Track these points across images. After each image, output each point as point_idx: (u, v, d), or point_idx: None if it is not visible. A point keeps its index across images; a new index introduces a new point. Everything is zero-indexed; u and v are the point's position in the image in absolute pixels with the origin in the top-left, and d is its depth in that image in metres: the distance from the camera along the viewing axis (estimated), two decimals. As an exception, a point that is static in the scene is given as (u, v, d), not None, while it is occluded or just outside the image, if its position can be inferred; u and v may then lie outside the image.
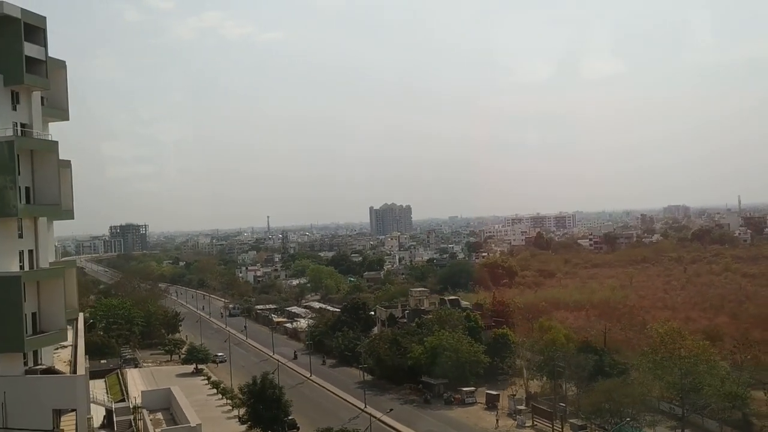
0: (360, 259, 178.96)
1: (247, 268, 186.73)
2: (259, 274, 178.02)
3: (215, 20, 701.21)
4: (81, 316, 78.96)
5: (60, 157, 58.36)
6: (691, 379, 48.72)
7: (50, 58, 56.12)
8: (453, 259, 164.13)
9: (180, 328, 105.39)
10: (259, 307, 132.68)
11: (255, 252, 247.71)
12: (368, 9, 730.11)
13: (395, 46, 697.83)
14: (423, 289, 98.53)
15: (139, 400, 60.70)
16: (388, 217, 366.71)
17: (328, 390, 71.25)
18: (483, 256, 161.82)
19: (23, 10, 46.99)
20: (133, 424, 50.13)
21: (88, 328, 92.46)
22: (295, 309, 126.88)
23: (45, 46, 49.90)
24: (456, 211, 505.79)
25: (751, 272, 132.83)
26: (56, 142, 50.47)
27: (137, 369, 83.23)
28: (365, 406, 63.20)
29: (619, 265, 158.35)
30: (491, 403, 62.04)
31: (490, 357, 69.29)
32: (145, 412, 49.82)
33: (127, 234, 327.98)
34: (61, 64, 58.96)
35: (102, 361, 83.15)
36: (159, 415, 50.13)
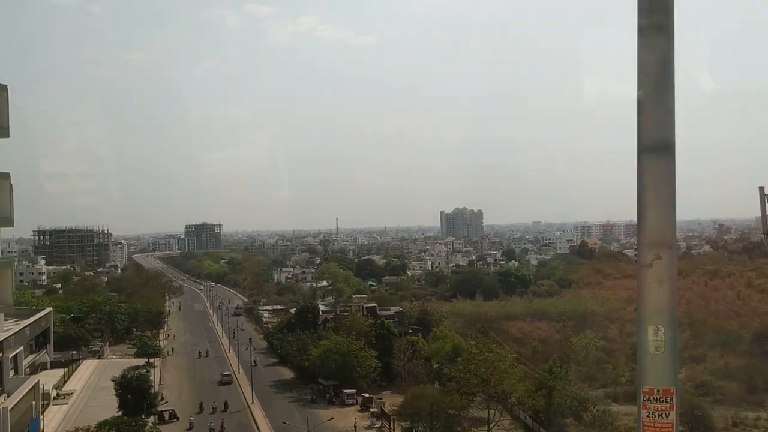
0: (384, 262, 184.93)
1: (281, 270, 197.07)
2: (289, 276, 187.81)
3: (311, 24, 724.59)
4: (48, 311, 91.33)
5: (1, 170, 69.61)
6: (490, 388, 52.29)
7: (-9, 83, 67.26)
8: (471, 267, 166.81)
9: (165, 324, 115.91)
10: (264, 307, 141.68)
11: (308, 254, 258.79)
12: (458, 17, 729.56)
13: (482, 53, 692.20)
14: (363, 295, 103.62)
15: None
16: (458, 222, 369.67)
17: (240, 387, 78.38)
18: (501, 264, 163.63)
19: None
20: None
21: (73, 321, 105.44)
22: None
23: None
24: (544, 217, 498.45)
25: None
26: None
27: (99, 360, 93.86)
28: (252, 402, 70.14)
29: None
30: (365, 406, 67.31)
31: (400, 362, 73.65)
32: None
33: (201, 233, 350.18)
34: (3, 88, 70.05)
35: (72, 352, 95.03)
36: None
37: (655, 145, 3.57)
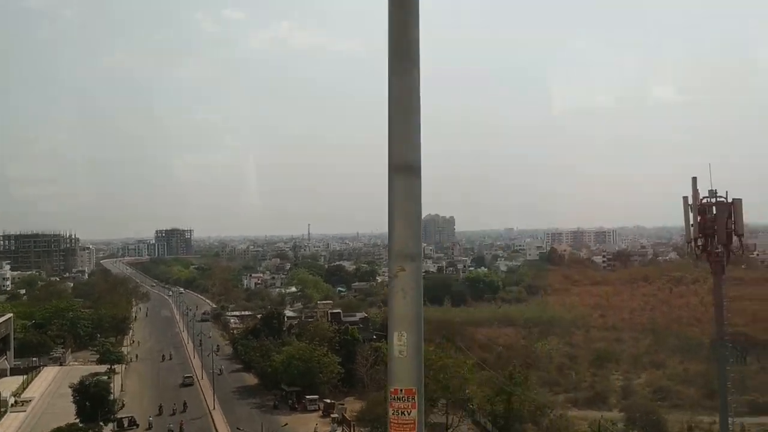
0: (354, 268, 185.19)
1: (251, 276, 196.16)
2: (259, 281, 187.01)
3: (288, 29, 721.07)
4: (8, 317, 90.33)
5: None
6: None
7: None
8: (440, 273, 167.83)
9: (130, 330, 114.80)
10: (232, 313, 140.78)
11: (278, 259, 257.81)
12: (441, 22, 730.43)
13: (463, 61, 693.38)
14: (328, 301, 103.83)
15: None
16: (430, 228, 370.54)
17: (202, 392, 77.99)
18: (470, 270, 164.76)
19: None
20: None
21: (35, 327, 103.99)
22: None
23: None
24: (517, 224, 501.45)
25: (730, 294, 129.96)
26: None
27: (60, 367, 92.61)
28: (213, 407, 69.88)
29: (619, 283, 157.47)
30: (326, 411, 67.45)
31: (363, 368, 73.67)
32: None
33: (171, 238, 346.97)
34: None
35: (33, 359, 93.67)
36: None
37: (402, 166, 3.91)
